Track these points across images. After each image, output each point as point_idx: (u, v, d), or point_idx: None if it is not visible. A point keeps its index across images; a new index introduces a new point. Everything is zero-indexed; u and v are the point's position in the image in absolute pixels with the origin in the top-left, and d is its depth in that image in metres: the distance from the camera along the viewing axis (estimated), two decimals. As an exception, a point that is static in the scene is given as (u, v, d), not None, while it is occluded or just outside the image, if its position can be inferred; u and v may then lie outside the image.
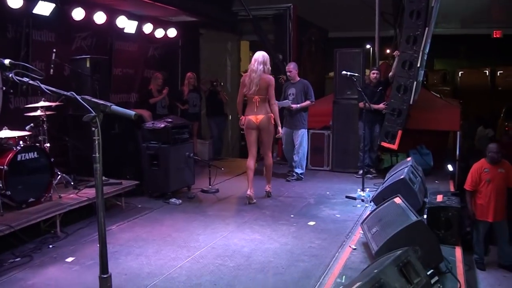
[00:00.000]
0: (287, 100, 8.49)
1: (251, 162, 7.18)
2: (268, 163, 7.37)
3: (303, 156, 8.72)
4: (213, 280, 4.38)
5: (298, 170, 8.68)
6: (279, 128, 7.17)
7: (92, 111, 2.08)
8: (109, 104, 2.13)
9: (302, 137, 8.58)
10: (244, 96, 7.08)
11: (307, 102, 8.50)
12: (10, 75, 2.17)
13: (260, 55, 6.91)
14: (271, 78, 7.03)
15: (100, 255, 2.20)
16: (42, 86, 2.16)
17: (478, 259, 6.41)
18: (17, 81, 2.15)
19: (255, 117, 6.97)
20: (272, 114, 7.00)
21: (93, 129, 2.10)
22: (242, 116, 7.11)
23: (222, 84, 10.83)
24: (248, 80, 6.92)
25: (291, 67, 8.60)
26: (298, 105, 8.44)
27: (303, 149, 8.64)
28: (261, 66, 6.85)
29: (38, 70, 2.26)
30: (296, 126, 8.56)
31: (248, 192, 7.09)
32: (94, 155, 2.13)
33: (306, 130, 8.70)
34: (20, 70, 2.21)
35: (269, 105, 6.98)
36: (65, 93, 2.19)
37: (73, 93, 2.15)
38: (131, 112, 2.18)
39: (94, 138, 2.11)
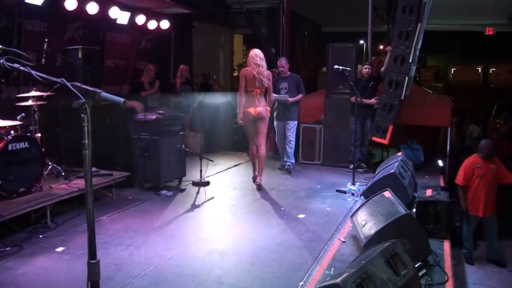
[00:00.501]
0: (285, 94, 8.57)
1: (254, 149, 7.58)
2: (262, 154, 7.52)
3: (294, 147, 8.88)
4: (203, 272, 4.40)
5: (292, 160, 8.84)
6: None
7: (82, 97, 2.09)
8: (98, 90, 2.14)
9: (294, 129, 8.75)
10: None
11: (300, 96, 8.64)
12: (1, 61, 2.17)
13: (260, 52, 7.28)
14: (270, 73, 7.42)
15: (88, 241, 2.21)
16: (33, 72, 2.16)
17: (467, 254, 6.48)
18: (8, 67, 2.15)
19: (254, 109, 7.22)
20: (268, 107, 7.32)
21: (83, 115, 2.11)
22: (242, 109, 7.28)
23: (214, 77, 10.82)
24: (252, 75, 7.14)
25: (283, 62, 8.73)
26: (293, 99, 8.56)
27: (294, 141, 8.80)
28: (264, 62, 7.22)
29: (29, 57, 2.26)
30: (290, 118, 8.68)
31: (257, 180, 7.52)
32: (83, 141, 2.13)
33: (296, 122, 8.87)
34: (11, 57, 2.20)
35: (266, 98, 7.33)
36: (55, 79, 2.19)
37: (63, 79, 2.15)
38: (120, 99, 2.18)
39: (84, 124, 2.11)
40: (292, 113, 8.71)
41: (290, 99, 8.53)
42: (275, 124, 8.94)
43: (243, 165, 9.60)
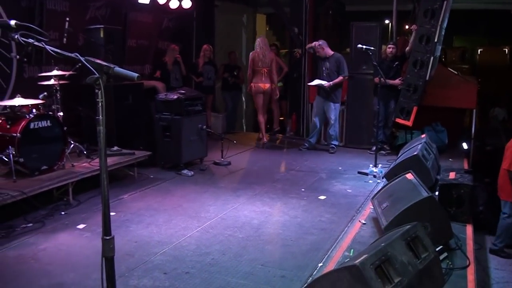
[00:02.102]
0: (317, 80, 8.60)
1: (261, 117, 9.23)
2: (276, 113, 10.15)
3: (337, 128, 8.88)
4: (222, 250, 4.42)
5: (335, 142, 8.82)
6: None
7: (96, 72, 2.07)
8: (112, 66, 2.11)
9: (335, 111, 8.69)
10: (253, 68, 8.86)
11: (340, 78, 8.53)
12: (16, 36, 2.16)
13: (263, 39, 9.09)
14: (273, 54, 9.23)
15: (103, 217, 2.22)
16: (47, 47, 2.15)
17: (502, 247, 6.06)
18: (22, 42, 2.14)
19: (263, 85, 8.87)
20: (274, 83, 9.00)
21: (96, 91, 2.09)
22: (252, 84, 8.93)
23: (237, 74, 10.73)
24: (258, 57, 8.80)
25: (320, 44, 8.60)
26: (331, 83, 8.47)
27: (337, 123, 8.78)
28: (267, 46, 8.98)
29: (44, 33, 2.25)
30: (329, 99, 8.63)
31: (264, 139, 9.24)
32: (97, 117, 2.13)
33: (338, 104, 8.77)
34: (26, 32, 2.19)
35: (272, 75, 8.91)
36: (69, 54, 2.17)
37: (77, 54, 2.14)
38: (134, 74, 2.15)
39: (98, 100, 2.10)
40: (331, 95, 8.59)
41: (326, 84, 8.46)
42: (316, 99, 8.91)
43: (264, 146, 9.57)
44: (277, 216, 5.44)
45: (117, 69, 2.11)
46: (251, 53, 9.05)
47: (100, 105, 2.11)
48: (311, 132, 9.11)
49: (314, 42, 8.70)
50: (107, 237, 2.22)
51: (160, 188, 6.47)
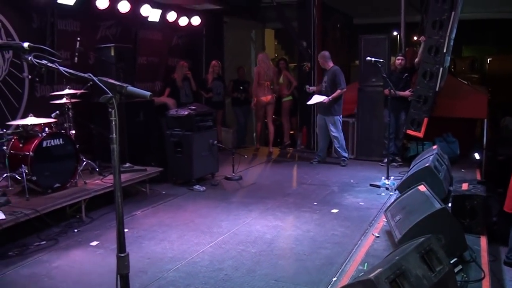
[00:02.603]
0: (316, 97, 8.64)
1: (259, 126, 10.19)
2: (271, 129, 10.12)
3: (342, 141, 8.80)
4: (235, 265, 4.41)
5: (345, 154, 8.80)
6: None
7: (109, 92, 2.10)
8: (125, 85, 2.14)
9: (336, 124, 8.67)
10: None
11: (337, 92, 8.51)
12: (29, 58, 2.19)
13: (265, 55, 9.88)
14: (275, 68, 10.03)
15: (117, 234, 2.23)
16: (61, 68, 2.18)
17: None
18: (36, 63, 2.17)
19: (265, 97, 9.60)
20: (274, 95, 9.75)
21: (110, 110, 2.12)
22: (255, 98, 9.63)
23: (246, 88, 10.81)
24: (264, 71, 9.46)
25: (321, 55, 8.74)
26: (330, 98, 8.48)
27: (340, 135, 8.73)
28: (269, 61, 9.81)
29: (56, 53, 2.28)
30: (328, 113, 8.65)
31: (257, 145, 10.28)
32: (111, 136, 2.15)
33: (339, 117, 8.72)
34: (39, 54, 2.23)
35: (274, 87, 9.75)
36: (82, 74, 2.20)
37: (90, 74, 2.17)
38: (147, 93, 2.18)
39: (111, 119, 2.12)
40: (330, 109, 8.58)
41: (325, 100, 8.48)
42: (317, 117, 9.02)
43: (275, 160, 9.59)
44: (289, 230, 5.42)
45: (130, 88, 2.14)
46: (255, 68, 9.74)
47: (113, 123, 2.14)
48: (319, 147, 9.14)
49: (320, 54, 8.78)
50: (122, 254, 2.23)
51: (172, 204, 6.49)
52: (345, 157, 8.77)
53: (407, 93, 8.28)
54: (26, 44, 2.20)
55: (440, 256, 3.55)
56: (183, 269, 4.35)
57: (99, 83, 2.10)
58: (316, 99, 8.61)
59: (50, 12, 6.93)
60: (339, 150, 8.74)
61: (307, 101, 8.95)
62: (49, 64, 2.19)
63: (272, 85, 9.67)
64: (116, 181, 2.17)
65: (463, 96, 8.93)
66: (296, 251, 4.79)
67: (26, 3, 6.58)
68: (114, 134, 2.15)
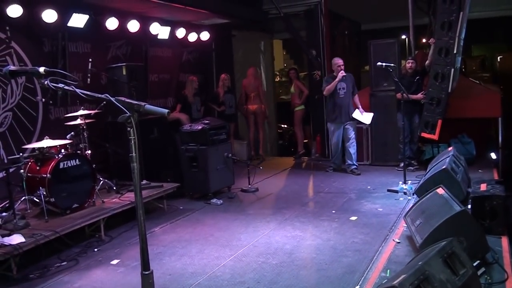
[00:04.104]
0: (360, 112, 8.68)
1: (252, 132, 10.55)
2: (261, 135, 10.68)
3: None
4: (256, 278, 4.39)
5: (355, 162, 8.77)
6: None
7: (127, 111, 2.12)
8: (142, 103, 2.16)
9: (355, 129, 8.73)
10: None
11: (357, 97, 8.71)
12: (46, 82, 2.22)
13: (253, 69, 10.53)
14: (260, 82, 10.90)
15: (141, 252, 2.23)
16: (78, 90, 2.21)
17: None
18: (53, 87, 2.20)
19: (252, 106, 10.35)
20: (263, 105, 10.40)
21: (128, 129, 2.14)
22: (245, 106, 10.42)
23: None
24: (249, 83, 10.30)
25: (342, 61, 8.64)
26: (361, 108, 8.68)
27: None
28: (257, 75, 10.67)
29: (72, 76, 2.32)
30: (348, 120, 8.61)
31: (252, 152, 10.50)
32: (131, 154, 2.17)
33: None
34: (55, 77, 2.26)
35: (259, 97, 10.39)
36: (100, 95, 2.23)
37: (107, 95, 2.19)
38: (164, 110, 2.21)
39: (130, 138, 2.14)
40: (350, 115, 8.62)
41: (360, 110, 8.63)
42: (330, 127, 8.84)
43: (290, 170, 9.58)
44: (309, 240, 5.40)
45: (148, 106, 2.16)
46: (243, 80, 10.58)
47: (132, 142, 2.16)
48: (333, 155, 9.06)
49: (339, 60, 8.67)
50: (146, 272, 2.23)
51: (190, 218, 6.50)
52: (356, 165, 8.76)
53: (419, 96, 8.25)
54: (42, 69, 2.23)
55: (463, 259, 3.52)
56: (205, 283, 4.34)
57: (117, 103, 2.12)
58: (364, 114, 8.68)
59: (61, 36, 7.02)
60: (355, 157, 8.72)
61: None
62: (66, 87, 2.22)
63: (257, 96, 10.31)
64: (137, 199, 2.18)
65: (475, 96, 8.87)
66: (317, 260, 4.77)
67: (37, 28, 6.67)
68: (133, 153, 2.17)
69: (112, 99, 2.14)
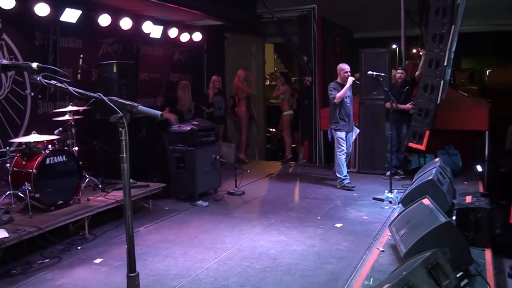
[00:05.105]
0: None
1: (243, 135, 10.62)
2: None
3: None
4: (240, 282, 4.38)
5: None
6: None
7: (119, 111, 2.11)
8: (136, 104, 2.15)
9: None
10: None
11: None
12: (38, 78, 2.20)
13: (242, 71, 10.43)
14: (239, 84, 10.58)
15: (127, 253, 2.21)
16: (70, 88, 2.19)
17: None
18: (45, 84, 2.18)
19: (240, 109, 10.40)
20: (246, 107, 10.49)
21: (120, 129, 2.13)
22: (236, 109, 10.50)
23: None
24: (239, 87, 10.32)
25: (349, 67, 8.27)
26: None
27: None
28: (245, 78, 10.45)
29: (66, 73, 2.30)
30: (352, 128, 8.37)
31: (243, 157, 10.53)
32: (121, 155, 2.15)
33: None
34: (48, 74, 2.24)
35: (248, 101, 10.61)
36: (93, 94, 2.22)
37: (100, 94, 2.18)
38: (157, 112, 2.20)
39: (121, 138, 2.13)
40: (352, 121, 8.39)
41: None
42: (340, 136, 8.09)
43: (277, 174, 9.59)
44: (294, 245, 5.40)
45: (141, 107, 2.15)
46: (234, 84, 10.59)
47: (124, 143, 2.14)
48: (343, 167, 8.15)
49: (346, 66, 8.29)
50: (132, 274, 2.21)
51: (176, 219, 6.47)
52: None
53: (408, 106, 8.30)
54: (34, 65, 2.21)
55: (447, 271, 3.54)
56: (188, 286, 4.33)
57: (110, 103, 2.11)
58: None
59: (52, 30, 6.97)
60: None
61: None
62: (59, 84, 2.20)
63: (245, 98, 10.45)
64: (126, 200, 2.17)
65: (464, 108, 8.95)
66: (301, 266, 4.77)
67: (29, 21, 6.61)
68: (124, 153, 2.15)
69: (105, 98, 2.13)
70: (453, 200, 6.22)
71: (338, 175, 8.13)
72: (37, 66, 2.23)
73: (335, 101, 7.97)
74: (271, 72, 19.05)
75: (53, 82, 2.22)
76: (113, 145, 6.66)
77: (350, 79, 7.95)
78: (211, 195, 7.61)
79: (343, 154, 8.10)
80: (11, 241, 4.60)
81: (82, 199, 5.91)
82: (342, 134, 8.09)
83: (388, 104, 8.02)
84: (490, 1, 11.02)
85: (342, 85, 8.03)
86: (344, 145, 8.13)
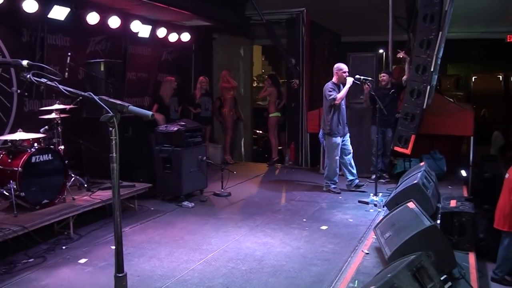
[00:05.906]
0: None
1: (230, 137, 10.85)
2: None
3: None
4: (225, 283, 4.38)
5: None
6: None
7: (110, 111, 2.10)
8: (126, 104, 2.15)
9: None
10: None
11: None
12: (28, 75, 2.19)
13: (227, 72, 10.75)
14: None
15: (116, 254, 2.21)
16: (60, 86, 2.18)
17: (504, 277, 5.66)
18: (35, 81, 2.17)
19: (226, 110, 10.63)
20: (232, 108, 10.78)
21: (110, 129, 2.12)
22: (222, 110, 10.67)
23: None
24: (226, 87, 10.56)
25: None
26: None
27: None
28: (230, 78, 10.75)
29: (56, 71, 2.28)
30: (346, 132, 8.16)
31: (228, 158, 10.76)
32: (111, 154, 2.15)
33: None
34: (37, 71, 2.23)
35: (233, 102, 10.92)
36: (83, 93, 2.21)
37: (91, 93, 2.17)
38: (148, 112, 2.20)
39: (112, 138, 2.13)
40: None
41: None
42: (334, 141, 7.94)
43: (263, 176, 9.60)
44: (279, 247, 5.41)
45: (132, 107, 2.15)
46: (220, 85, 10.87)
47: (114, 142, 2.14)
48: (334, 173, 8.08)
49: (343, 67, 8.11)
50: (120, 275, 2.21)
51: (161, 220, 6.45)
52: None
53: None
54: (25, 62, 2.20)
55: (431, 274, 3.58)
56: (173, 286, 4.32)
57: (100, 103, 2.11)
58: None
59: (40, 27, 6.92)
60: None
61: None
62: (49, 83, 2.19)
63: (230, 100, 10.67)
64: (115, 201, 2.17)
65: (449, 113, 9.04)
66: (286, 268, 4.78)
67: (16, 17, 6.55)
68: (114, 153, 2.15)
69: (96, 98, 2.12)
70: (437, 204, 6.28)
71: (327, 180, 8.09)
72: (28, 63, 2.22)
73: (336, 102, 7.73)
74: (259, 74, 19.05)
75: (43, 80, 2.20)
76: (99, 144, 6.64)
77: (350, 80, 7.73)
78: (197, 196, 7.60)
79: (334, 162, 7.95)
80: (-5, 240, 4.56)
81: (67, 199, 5.87)
82: (338, 140, 7.92)
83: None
84: (476, 9, 11.12)
85: (338, 86, 7.94)
86: (334, 152, 7.94)
